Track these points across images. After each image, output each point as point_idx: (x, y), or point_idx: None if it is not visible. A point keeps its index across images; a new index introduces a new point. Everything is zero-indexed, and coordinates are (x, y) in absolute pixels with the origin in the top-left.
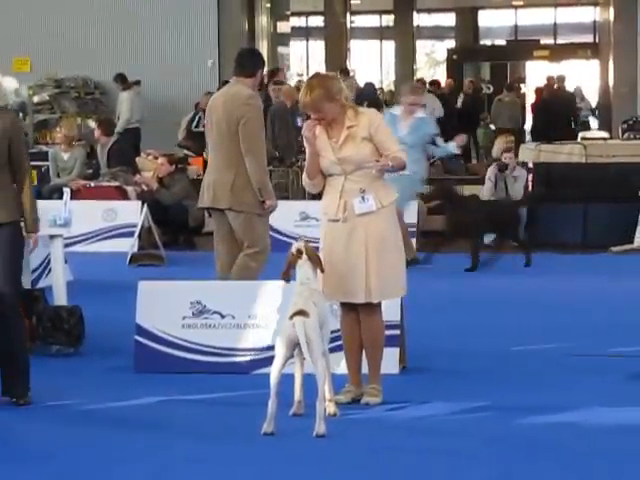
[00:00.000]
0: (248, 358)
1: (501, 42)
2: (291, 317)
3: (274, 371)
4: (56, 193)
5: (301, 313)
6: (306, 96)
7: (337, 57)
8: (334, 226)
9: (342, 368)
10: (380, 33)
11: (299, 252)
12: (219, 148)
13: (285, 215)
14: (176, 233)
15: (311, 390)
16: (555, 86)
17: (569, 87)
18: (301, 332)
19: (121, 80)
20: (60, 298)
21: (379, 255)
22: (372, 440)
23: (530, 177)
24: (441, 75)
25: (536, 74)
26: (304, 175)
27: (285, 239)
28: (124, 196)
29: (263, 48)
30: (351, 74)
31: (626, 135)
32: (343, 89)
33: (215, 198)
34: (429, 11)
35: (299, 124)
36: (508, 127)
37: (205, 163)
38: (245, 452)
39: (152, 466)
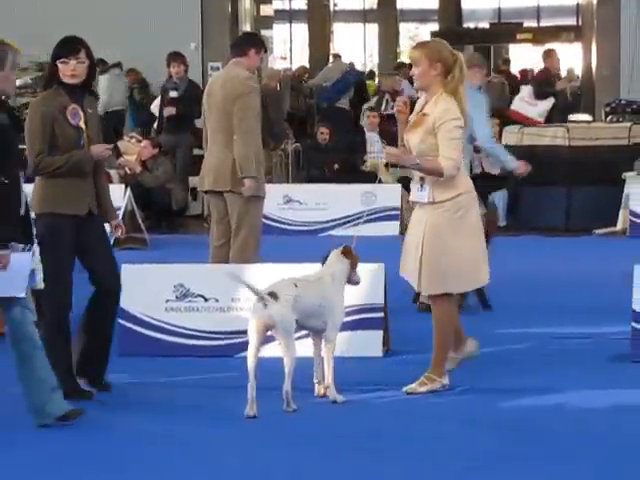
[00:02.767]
0: (231, 341)
1: (484, 25)
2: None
3: (249, 355)
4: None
5: (271, 295)
6: (416, 48)
7: (321, 40)
8: (414, 210)
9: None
10: (364, 16)
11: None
12: (219, 130)
13: (268, 198)
14: (159, 216)
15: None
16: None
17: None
18: (266, 316)
19: (100, 64)
20: (41, 281)
21: (431, 252)
22: (354, 421)
23: None
24: None
25: (520, 57)
26: None
27: (269, 222)
28: (107, 179)
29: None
30: (340, 57)
31: (609, 118)
32: (453, 71)
33: (216, 181)
34: None
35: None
36: (498, 107)
37: None
38: (228, 434)
39: (134, 447)
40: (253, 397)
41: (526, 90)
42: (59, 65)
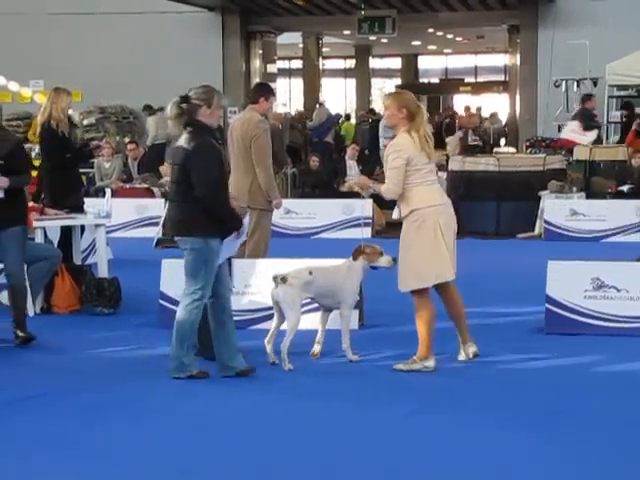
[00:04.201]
0: (245, 317)
1: (435, 80)
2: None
3: (274, 319)
4: (100, 193)
5: (282, 279)
6: (388, 96)
7: (312, 91)
8: None
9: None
10: (344, 73)
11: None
12: (239, 160)
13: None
14: None
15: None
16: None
17: (486, 114)
18: (274, 293)
19: (149, 109)
20: (103, 272)
21: (400, 257)
22: (340, 367)
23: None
24: None
25: (461, 104)
26: None
27: (273, 228)
28: (152, 195)
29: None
30: (325, 104)
31: (529, 150)
32: (416, 116)
33: (237, 198)
34: (381, 56)
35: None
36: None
37: None
38: (235, 386)
39: (165, 397)
40: (270, 350)
41: (574, 124)
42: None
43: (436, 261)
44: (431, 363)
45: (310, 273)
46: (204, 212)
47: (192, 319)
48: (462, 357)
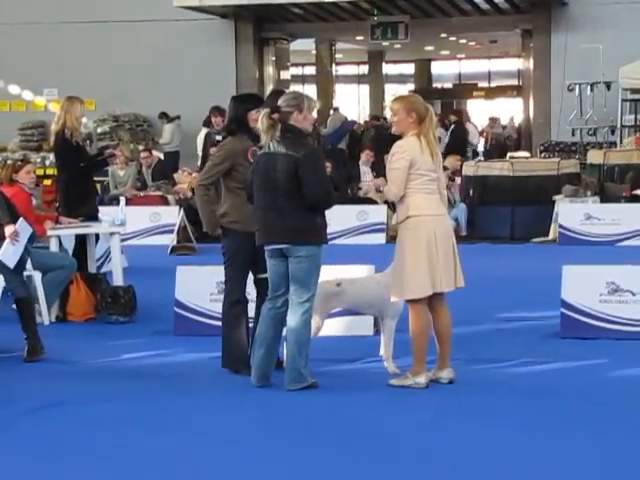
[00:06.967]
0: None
1: (449, 85)
2: None
3: None
4: (115, 201)
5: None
6: (395, 101)
7: (326, 97)
8: None
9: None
10: (358, 79)
11: None
12: None
13: None
14: (205, 230)
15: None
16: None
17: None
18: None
19: (166, 117)
20: (118, 280)
21: (394, 264)
22: (357, 378)
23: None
24: None
25: (475, 109)
26: None
27: None
28: (166, 202)
29: (269, 91)
30: (339, 109)
31: (542, 155)
32: (425, 119)
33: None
34: (395, 62)
35: None
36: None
37: None
38: (248, 397)
39: (182, 406)
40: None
41: None
42: (252, 114)
43: (418, 274)
44: (422, 379)
45: (338, 285)
46: (318, 219)
47: (309, 327)
48: (428, 377)
